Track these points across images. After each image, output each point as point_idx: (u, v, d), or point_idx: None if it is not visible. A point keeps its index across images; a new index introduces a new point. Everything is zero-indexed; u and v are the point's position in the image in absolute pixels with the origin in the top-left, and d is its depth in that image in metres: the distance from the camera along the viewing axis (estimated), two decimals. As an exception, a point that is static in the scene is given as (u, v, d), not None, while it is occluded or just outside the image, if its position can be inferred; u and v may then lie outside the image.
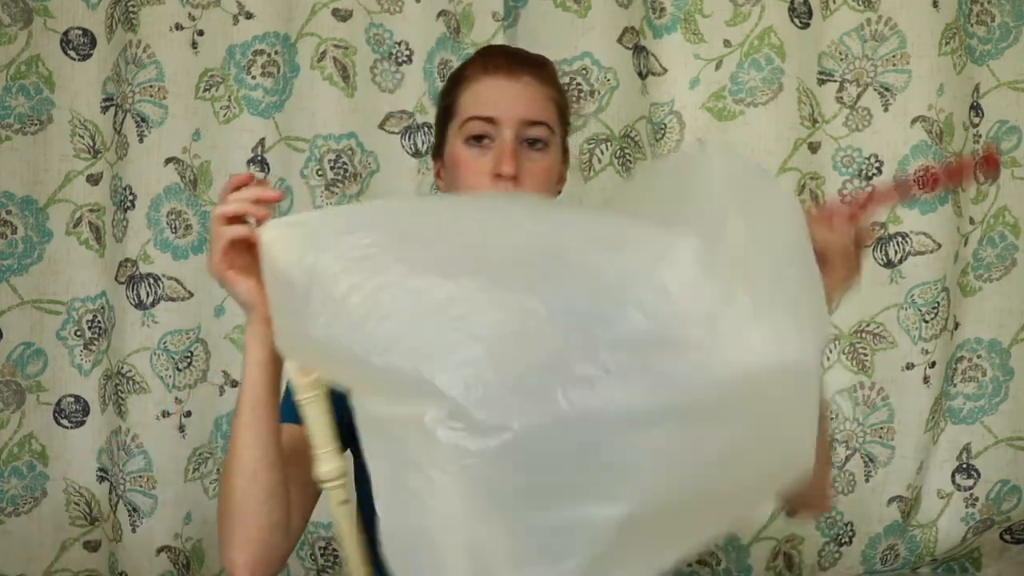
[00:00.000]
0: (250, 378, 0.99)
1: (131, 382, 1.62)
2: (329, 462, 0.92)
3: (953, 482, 1.78)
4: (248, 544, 0.99)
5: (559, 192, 1.22)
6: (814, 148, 1.72)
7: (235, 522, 1.00)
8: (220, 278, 0.97)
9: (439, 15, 1.65)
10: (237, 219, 0.96)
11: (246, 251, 0.96)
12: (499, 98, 1.14)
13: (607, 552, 0.73)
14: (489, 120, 1.13)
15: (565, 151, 1.22)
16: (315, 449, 0.92)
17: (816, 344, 0.80)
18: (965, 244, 1.77)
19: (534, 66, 1.18)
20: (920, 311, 1.72)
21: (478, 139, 1.14)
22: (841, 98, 1.72)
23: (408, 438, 0.75)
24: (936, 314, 1.72)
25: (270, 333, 0.95)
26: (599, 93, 1.67)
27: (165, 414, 1.63)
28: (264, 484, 0.99)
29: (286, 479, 1.01)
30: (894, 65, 1.71)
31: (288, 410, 1.17)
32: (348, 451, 1.17)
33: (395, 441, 0.77)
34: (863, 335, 1.74)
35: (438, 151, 1.22)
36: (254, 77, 1.64)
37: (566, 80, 1.67)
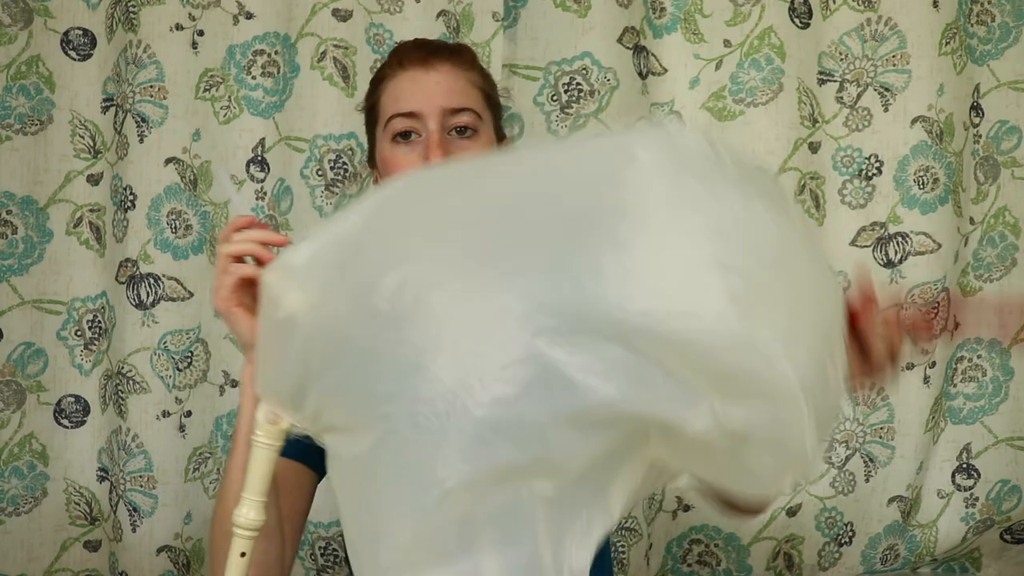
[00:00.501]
0: (248, 418, 0.97)
1: (131, 382, 1.62)
2: (256, 512, 0.90)
3: (953, 482, 1.78)
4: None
5: None
6: (814, 148, 1.72)
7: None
8: (226, 314, 0.97)
9: (439, 15, 1.65)
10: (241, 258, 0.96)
11: (251, 289, 0.96)
12: (417, 91, 1.12)
13: None
14: (411, 115, 1.11)
15: (501, 136, 1.21)
16: (246, 493, 0.91)
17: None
18: (965, 244, 1.77)
19: (450, 52, 1.16)
20: (920, 311, 1.72)
21: (404, 136, 1.12)
22: (841, 98, 1.72)
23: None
24: (936, 314, 1.72)
25: None
26: (599, 93, 1.67)
27: (165, 414, 1.63)
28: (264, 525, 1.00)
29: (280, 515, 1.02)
30: (894, 65, 1.71)
31: (289, 444, 1.18)
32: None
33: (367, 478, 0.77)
34: (863, 335, 1.74)
35: (372, 159, 1.20)
36: (254, 77, 1.64)
37: (566, 80, 1.67)
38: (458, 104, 1.12)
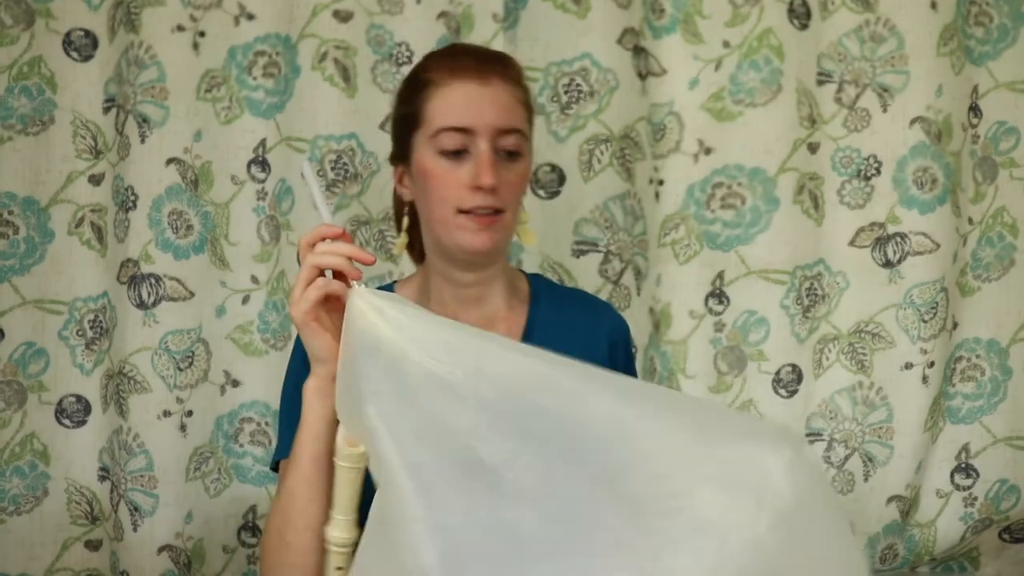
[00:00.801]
0: (313, 432, 0.99)
1: (132, 382, 1.62)
2: (345, 530, 0.94)
3: (952, 482, 1.78)
4: None
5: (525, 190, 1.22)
6: (813, 148, 1.72)
7: (293, 572, 1.00)
8: (304, 327, 0.97)
9: (439, 16, 1.65)
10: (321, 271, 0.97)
11: (329, 305, 0.96)
12: (471, 106, 1.09)
13: None
14: (463, 131, 1.09)
15: (532, 153, 1.20)
16: (334, 512, 0.93)
17: None
18: (964, 244, 1.77)
19: (503, 67, 1.13)
20: (919, 311, 1.73)
21: (455, 153, 1.10)
22: (840, 99, 1.73)
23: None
24: (935, 314, 1.73)
25: (334, 389, 0.96)
26: (599, 94, 1.68)
27: (166, 414, 1.63)
28: (322, 535, 1.00)
29: None
30: (893, 66, 1.71)
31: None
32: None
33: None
34: (862, 335, 1.75)
35: (400, 158, 1.17)
36: (255, 78, 1.65)
37: (566, 81, 1.68)
38: (509, 124, 1.10)
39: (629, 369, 1.27)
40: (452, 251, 1.14)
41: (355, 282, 0.95)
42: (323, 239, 0.99)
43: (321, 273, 0.98)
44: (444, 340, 0.87)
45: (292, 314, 0.98)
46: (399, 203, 1.24)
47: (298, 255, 1.05)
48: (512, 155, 1.11)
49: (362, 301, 0.91)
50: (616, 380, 0.90)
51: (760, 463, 0.82)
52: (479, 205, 1.09)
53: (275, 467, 1.20)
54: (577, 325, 1.22)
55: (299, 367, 1.18)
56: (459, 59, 1.13)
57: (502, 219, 1.11)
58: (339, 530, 0.94)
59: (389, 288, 1.26)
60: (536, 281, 1.27)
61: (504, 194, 1.10)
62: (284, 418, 1.20)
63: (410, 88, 1.16)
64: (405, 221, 1.20)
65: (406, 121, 1.16)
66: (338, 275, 0.98)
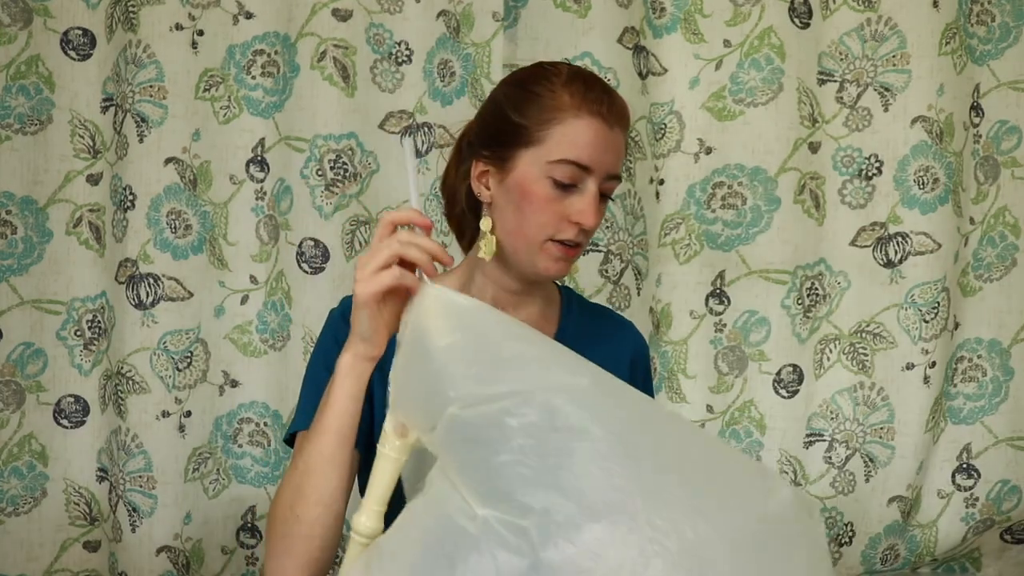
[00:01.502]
0: (341, 409, 0.99)
1: (131, 382, 1.62)
2: (373, 520, 0.92)
3: (953, 482, 1.78)
4: (310, 565, 1.01)
5: None
6: (814, 148, 1.72)
7: (301, 545, 1.00)
8: (364, 306, 0.96)
9: (439, 15, 1.65)
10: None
11: (392, 293, 0.96)
12: (598, 148, 1.11)
13: None
14: (583, 168, 1.11)
15: None
16: (367, 500, 0.92)
17: None
18: (965, 244, 1.77)
19: (622, 110, 1.16)
20: (920, 311, 1.72)
21: (567, 185, 1.11)
22: (841, 98, 1.72)
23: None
24: (936, 314, 1.72)
25: (369, 371, 0.97)
26: (599, 93, 1.67)
27: (165, 414, 1.63)
28: (337, 511, 1.01)
29: None
30: (894, 65, 1.71)
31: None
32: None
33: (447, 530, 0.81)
34: (863, 335, 1.74)
35: (493, 159, 1.15)
36: (254, 77, 1.64)
37: (566, 80, 1.67)
38: (617, 171, 1.14)
39: (647, 388, 1.30)
40: (524, 269, 1.17)
41: (437, 286, 0.94)
42: (409, 225, 0.98)
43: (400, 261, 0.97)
44: (507, 359, 0.87)
45: (357, 290, 0.97)
46: (472, 199, 1.22)
47: (375, 230, 1.05)
48: (605, 198, 1.15)
49: (439, 295, 0.90)
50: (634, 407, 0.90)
51: (770, 481, 0.86)
52: (571, 239, 1.13)
53: (289, 440, 1.20)
54: (603, 339, 1.26)
55: (329, 345, 1.18)
56: (592, 93, 1.13)
57: (579, 251, 1.17)
58: (371, 520, 0.92)
59: None
60: (567, 293, 1.30)
61: (591, 232, 1.15)
62: (308, 391, 1.21)
63: (531, 102, 1.15)
64: (487, 222, 1.19)
65: (518, 132, 1.14)
66: (406, 263, 0.97)
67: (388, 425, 0.90)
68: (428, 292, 0.91)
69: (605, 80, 1.21)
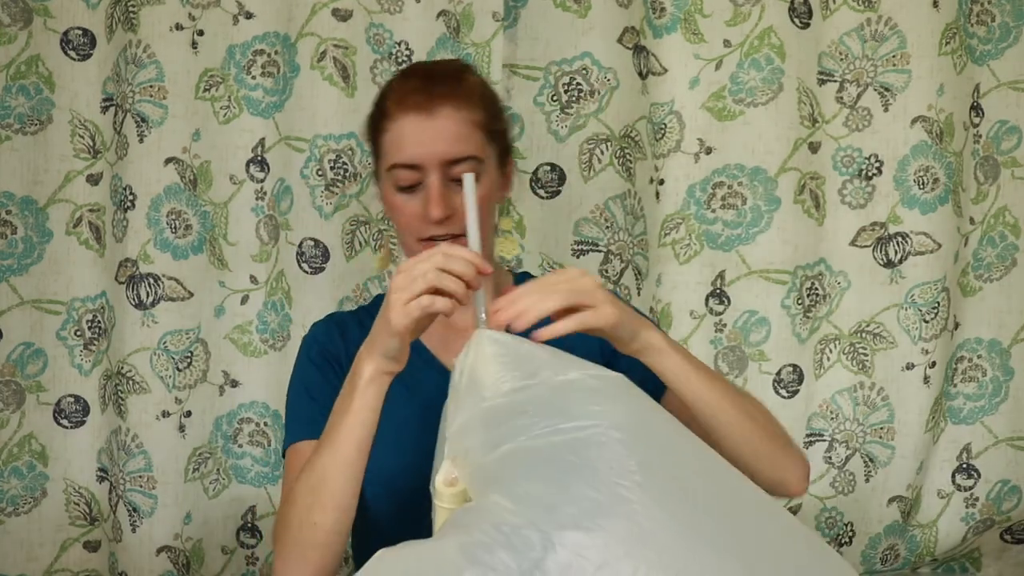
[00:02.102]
0: (361, 419, 1.00)
1: (131, 382, 1.62)
2: None
3: (953, 482, 1.78)
4: (324, 570, 1.03)
5: (504, 198, 1.22)
6: (814, 148, 1.72)
7: (316, 553, 1.02)
8: (401, 333, 0.96)
9: (439, 15, 1.65)
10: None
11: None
12: (419, 141, 1.10)
13: None
14: (411, 166, 1.11)
15: (505, 162, 1.20)
16: None
17: None
18: (965, 244, 1.77)
19: (451, 89, 1.13)
20: (920, 311, 1.72)
21: (408, 187, 1.12)
22: (841, 98, 1.72)
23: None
24: (936, 314, 1.72)
25: (388, 383, 1.00)
26: (599, 93, 1.67)
27: (165, 414, 1.63)
28: (351, 517, 1.03)
29: None
30: (894, 65, 1.71)
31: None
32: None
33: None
34: (863, 335, 1.74)
35: (376, 179, 1.20)
36: (254, 77, 1.64)
37: (566, 80, 1.67)
38: (459, 154, 1.11)
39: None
40: None
41: (491, 332, 0.93)
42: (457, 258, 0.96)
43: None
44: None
45: (391, 318, 0.96)
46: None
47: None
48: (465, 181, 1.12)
49: (495, 340, 0.89)
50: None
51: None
52: (435, 235, 1.12)
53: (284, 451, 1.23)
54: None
55: (308, 371, 1.21)
56: (408, 90, 1.13)
57: (463, 242, 1.11)
58: None
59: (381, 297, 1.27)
60: (522, 280, 1.28)
61: (461, 220, 1.10)
62: (300, 405, 1.23)
63: (373, 113, 1.19)
64: (385, 236, 1.23)
65: (372, 148, 1.19)
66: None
67: (439, 479, 0.88)
68: (483, 338, 0.90)
69: (452, 68, 1.19)
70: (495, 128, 1.17)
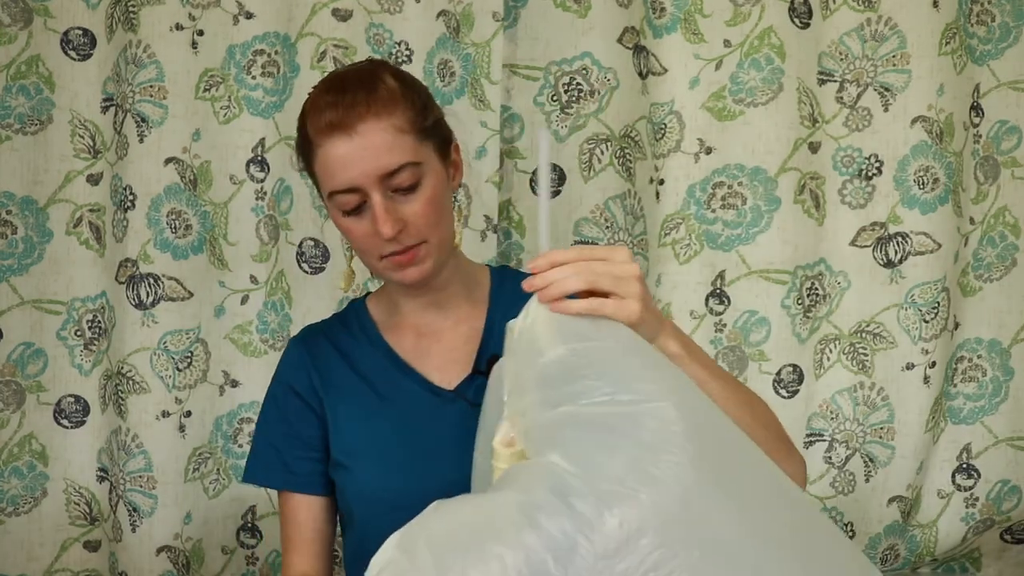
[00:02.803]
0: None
1: (131, 382, 1.62)
2: None
3: (953, 482, 1.78)
4: None
5: (457, 186, 1.19)
6: (814, 148, 1.72)
7: None
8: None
9: (439, 15, 1.65)
10: None
11: None
12: (348, 164, 1.06)
13: None
14: (349, 190, 1.07)
15: (447, 146, 1.15)
16: None
17: None
18: (965, 244, 1.77)
19: (366, 100, 1.07)
20: (920, 311, 1.72)
21: (354, 210, 1.09)
22: (841, 98, 1.72)
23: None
24: (936, 314, 1.72)
25: None
26: (599, 93, 1.67)
27: (165, 414, 1.63)
28: None
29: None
30: (894, 65, 1.71)
31: (291, 475, 1.21)
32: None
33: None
34: (863, 335, 1.74)
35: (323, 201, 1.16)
36: (254, 77, 1.64)
37: (566, 80, 1.67)
38: (392, 165, 1.06)
39: None
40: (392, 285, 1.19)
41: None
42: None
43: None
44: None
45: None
46: None
47: None
48: (411, 189, 1.08)
49: (544, 310, 0.88)
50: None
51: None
52: (393, 251, 1.10)
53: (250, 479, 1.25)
54: None
55: (281, 400, 1.23)
56: (324, 113, 1.08)
57: (424, 249, 1.11)
58: None
59: (362, 304, 1.27)
60: (498, 274, 1.27)
61: (415, 229, 1.09)
62: (261, 446, 1.24)
63: (297, 144, 1.15)
64: (349, 254, 1.21)
65: (309, 176, 1.15)
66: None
67: (497, 440, 0.87)
68: (539, 305, 0.89)
69: (363, 72, 1.12)
70: (425, 125, 1.11)
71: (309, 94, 1.13)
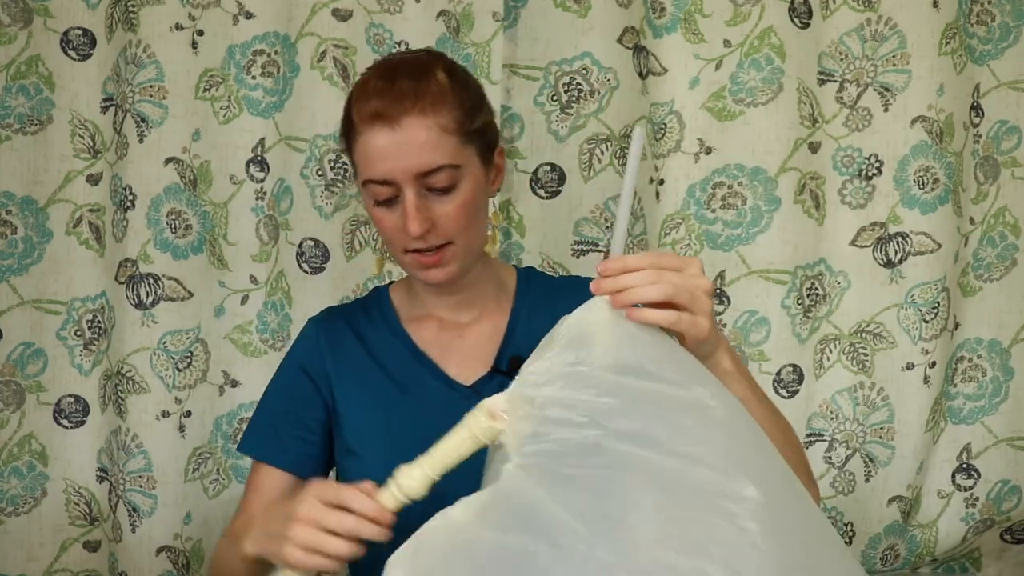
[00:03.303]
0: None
1: (131, 382, 1.62)
2: (422, 487, 0.87)
3: (953, 482, 1.78)
4: None
5: (496, 191, 1.19)
6: (814, 148, 1.72)
7: None
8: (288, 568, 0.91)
9: (439, 15, 1.65)
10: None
11: None
12: (388, 156, 1.05)
13: None
14: (384, 183, 1.06)
15: (490, 150, 1.15)
16: (425, 464, 0.87)
17: None
18: (965, 244, 1.77)
19: (416, 97, 1.05)
20: (920, 311, 1.72)
21: (386, 202, 1.08)
22: (841, 98, 1.72)
23: None
24: (936, 314, 1.72)
25: None
26: (599, 93, 1.67)
27: (165, 414, 1.63)
28: None
29: None
30: (894, 65, 1.71)
31: (281, 452, 1.21)
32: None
33: None
34: (863, 335, 1.74)
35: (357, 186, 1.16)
36: (254, 77, 1.64)
37: (566, 80, 1.67)
38: (431, 165, 1.05)
39: None
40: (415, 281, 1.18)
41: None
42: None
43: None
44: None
45: (288, 554, 0.90)
46: None
47: None
48: (446, 190, 1.08)
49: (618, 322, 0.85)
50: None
51: None
52: (419, 248, 1.09)
53: (243, 449, 1.25)
54: (563, 309, 1.22)
55: (293, 373, 1.23)
56: (371, 100, 1.07)
57: (451, 250, 1.10)
58: (421, 485, 0.86)
59: (385, 291, 1.27)
60: (525, 274, 1.27)
61: (444, 230, 1.08)
62: (262, 420, 1.24)
63: (342, 125, 1.14)
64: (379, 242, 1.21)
65: (348, 159, 1.15)
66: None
67: (488, 402, 0.83)
68: (603, 304, 0.86)
69: (419, 66, 1.11)
70: (471, 127, 1.09)
71: (362, 75, 1.12)
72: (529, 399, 0.81)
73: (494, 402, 0.83)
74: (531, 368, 0.84)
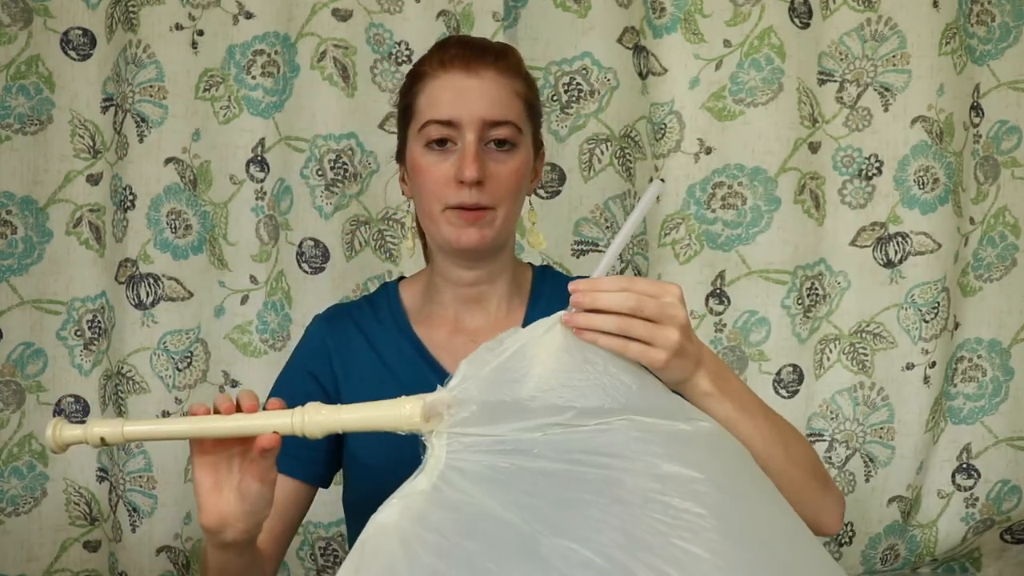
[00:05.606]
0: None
1: (131, 382, 1.62)
2: (318, 431, 0.87)
3: (953, 482, 1.78)
4: None
5: (534, 190, 1.19)
6: (814, 148, 1.72)
7: None
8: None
9: (439, 15, 1.65)
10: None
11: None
12: (457, 98, 1.07)
13: None
14: (448, 123, 1.07)
15: (539, 147, 1.17)
16: (339, 421, 0.88)
17: None
18: (965, 244, 1.77)
19: (495, 57, 1.10)
20: (920, 311, 1.72)
21: (440, 143, 1.08)
22: (841, 98, 1.72)
23: None
24: (936, 314, 1.72)
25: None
26: (599, 93, 1.67)
27: (165, 414, 1.63)
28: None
29: (266, 550, 1.06)
30: (894, 65, 1.71)
31: (286, 457, 1.20)
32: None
33: None
34: (863, 335, 1.74)
35: (401, 155, 1.16)
36: (254, 77, 1.64)
37: (566, 80, 1.67)
38: (499, 116, 1.07)
39: None
40: (443, 247, 1.14)
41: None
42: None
43: None
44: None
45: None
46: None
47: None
48: (503, 145, 1.08)
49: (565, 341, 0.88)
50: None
51: None
52: (463, 202, 1.07)
53: None
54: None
55: (297, 374, 1.22)
56: (450, 51, 1.11)
57: (491, 215, 1.09)
58: (318, 431, 0.87)
59: (394, 288, 1.25)
60: (541, 275, 1.26)
61: (493, 190, 1.07)
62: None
63: (407, 81, 1.15)
64: (409, 219, 1.19)
65: (403, 115, 1.15)
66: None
67: (431, 398, 0.84)
68: (557, 324, 0.88)
69: (497, 42, 1.16)
70: (535, 110, 1.14)
71: (437, 44, 1.15)
72: (467, 404, 0.83)
73: (436, 399, 0.84)
74: (472, 369, 0.86)
